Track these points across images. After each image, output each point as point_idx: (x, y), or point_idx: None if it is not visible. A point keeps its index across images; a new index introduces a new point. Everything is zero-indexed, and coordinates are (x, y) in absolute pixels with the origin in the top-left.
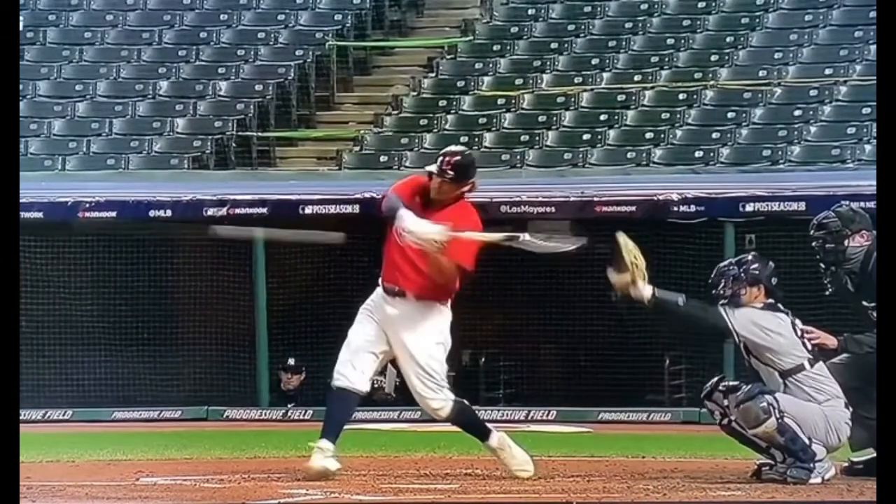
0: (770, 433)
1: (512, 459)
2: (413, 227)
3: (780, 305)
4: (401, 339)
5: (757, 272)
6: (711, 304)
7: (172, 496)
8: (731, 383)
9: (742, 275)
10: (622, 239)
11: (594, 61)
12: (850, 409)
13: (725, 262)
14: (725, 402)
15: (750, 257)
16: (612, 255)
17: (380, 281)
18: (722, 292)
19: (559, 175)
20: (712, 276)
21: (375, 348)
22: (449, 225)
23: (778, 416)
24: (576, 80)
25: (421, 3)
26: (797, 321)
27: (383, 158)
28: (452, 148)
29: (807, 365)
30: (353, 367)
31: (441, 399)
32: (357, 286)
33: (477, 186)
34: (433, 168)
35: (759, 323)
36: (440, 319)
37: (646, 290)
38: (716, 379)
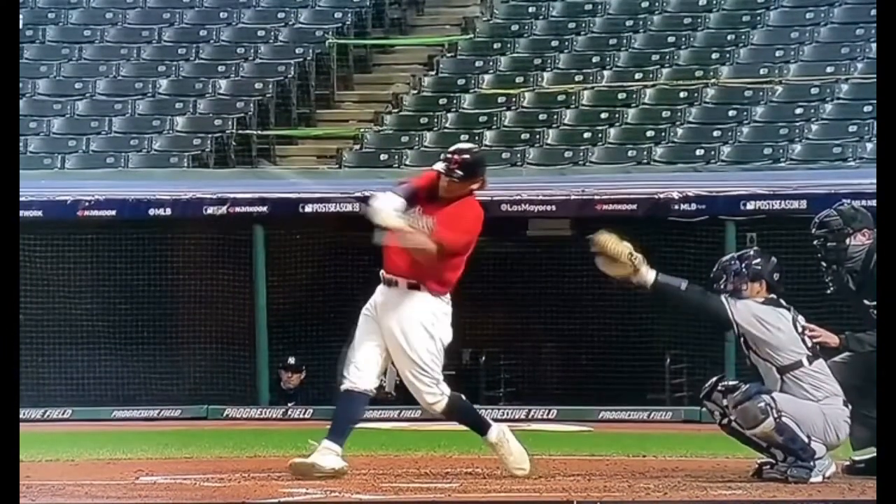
0: (768, 433)
1: (509, 456)
2: (376, 202)
3: (781, 301)
4: (390, 328)
5: (759, 267)
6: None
7: (172, 495)
8: (729, 383)
9: (744, 270)
10: (601, 238)
11: (595, 59)
12: (849, 407)
13: (727, 257)
14: (724, 402)
15: (752, 252)
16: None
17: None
18: (723, 287)
19: (560, 173)
20: (714, 270)
21: (379, 347)
22: (416, 211)
23: (776, 415)
24: (576, 79)
25: (421, 1)
26: (800, 318)
27: (383, 157)
28: (461, 146)
29: (805, 361)
30: (358, 368)
31: (436, 393)
32: (357, 286)
33: (486, 184)
34: (441, 167)
35: (760, 316)
36: (434, 310)
37: (648, 275)
38: (714, 379)
